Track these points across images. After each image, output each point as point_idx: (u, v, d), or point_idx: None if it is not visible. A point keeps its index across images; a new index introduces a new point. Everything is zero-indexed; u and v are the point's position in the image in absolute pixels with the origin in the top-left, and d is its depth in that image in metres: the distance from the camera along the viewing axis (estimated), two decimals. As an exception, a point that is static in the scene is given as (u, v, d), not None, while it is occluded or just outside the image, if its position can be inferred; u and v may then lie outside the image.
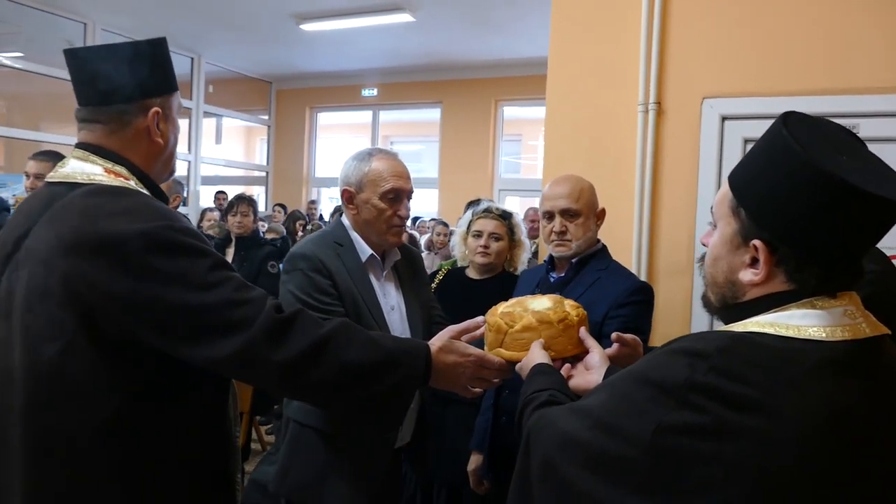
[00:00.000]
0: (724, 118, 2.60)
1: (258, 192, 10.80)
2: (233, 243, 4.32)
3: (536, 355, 1.40)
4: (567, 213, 2.07)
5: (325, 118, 10.94)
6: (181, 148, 9.10)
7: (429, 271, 2.72)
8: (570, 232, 2.07)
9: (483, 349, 1.53)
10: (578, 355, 1.47)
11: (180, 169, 9.00)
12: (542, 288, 2.15)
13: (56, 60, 7.48)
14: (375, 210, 1.89)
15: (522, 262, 2.88)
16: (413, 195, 1.99)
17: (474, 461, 2.31)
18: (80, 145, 1.38)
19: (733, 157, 2.60)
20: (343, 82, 9.91)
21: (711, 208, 1.06)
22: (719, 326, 2.33)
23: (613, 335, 1.57)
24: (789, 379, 0.85)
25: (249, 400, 3.04)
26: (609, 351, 1.49)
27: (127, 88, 1.36)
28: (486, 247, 2.78)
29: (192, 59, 9.06)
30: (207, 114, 9.41)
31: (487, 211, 2.90)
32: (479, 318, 1.53)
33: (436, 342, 1.48)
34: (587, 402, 1.06)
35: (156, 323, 1.23)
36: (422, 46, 7.97)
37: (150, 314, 1.23)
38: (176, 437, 1.31)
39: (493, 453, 2.24)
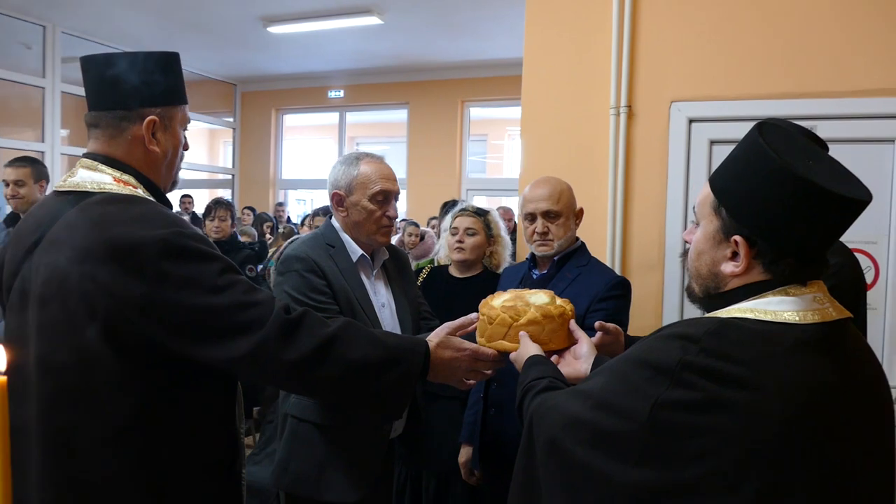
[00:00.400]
0: (691, 121, 2.73)
1: (224, 196, 10.72)
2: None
3: (529, 347, 1.49)
4: (548, 215, 2.17)
5: (291, 120, 10.91)
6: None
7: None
8: (552, 232, 2.17)
9: (475, 342, 1.62)
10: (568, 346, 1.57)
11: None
12: (526, 284, 2.26)
13: (12, 63, 7.36)
14: (365, 212, 1.96)
15: (505, 260, 2.97)
16: (399, 196, 2.07)
17: (465, 453, 2.40)
18: (87, 155, 1.43)
19: (700, 158, 2.74)
20: (309, 84, 9.90)
21: (694, 208, 1.17)
22: (688, 316, 2.47)
23: (597, 324, 1.68)
24: (771, 357, 0.96)
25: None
26: (593, 339, 1.60)
27: (128, 95, 1.41)
28: (461, 241, 2.88)
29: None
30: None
31: (464, 210, 3.00)
32: (473, 315, 1.61)
33: (433, 338, 1.56)
34: (587, 385, 1.16)
35: (170, 326, 1.29)
36: (389, 48, 8.03)
37: (164, 317, 1.28)
38: (187, 435, 1.37)
39: (483, 445, 2.32)
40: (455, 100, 9.24)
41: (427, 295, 2.51)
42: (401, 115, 9.86)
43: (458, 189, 9.27)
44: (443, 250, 3.08)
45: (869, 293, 2.30)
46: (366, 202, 1.96)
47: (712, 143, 2.73)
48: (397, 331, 2.00)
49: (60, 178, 1.44)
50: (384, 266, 2.09)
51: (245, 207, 8.77)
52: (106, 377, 1.28)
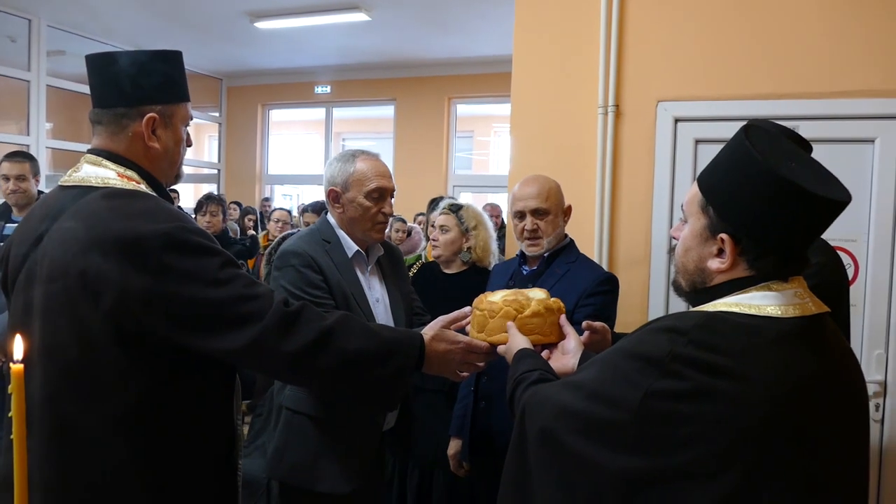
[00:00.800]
0: (677, 120, 2.79)
1: (210, 191, 10.67)
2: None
3: (519, 341, 1.53)
4: (537, 213, 2.22)
5: (277, 115, 10.88)
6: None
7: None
8: (541, 230, 2.22)
9: (467, 335, 1.66)
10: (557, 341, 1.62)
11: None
12: (516, 280, 2.31)
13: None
14: (361, 208, 2.00)
15: (493, 252, 3.01)
16: (395, 193, 2.11)
17: (454, 446, 2.44)
18: (91, 150, 1.45)
19: (686, 157, 2.80)
20: (296, 79, 9.88)
21: (682, 206, 1.22)
22: (674, 311, 2.53)
23: (584, 323, 1.72)
24: (755, 349, 1.02)
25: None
26: (581, 337, 1.64)
27: (127, 93, 1.44)
28: (434, 239, 2.95)
29: (140, 55, 8.87)
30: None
31: (443, 207, 3.06)
32: (466, 309, 1.65)
33: (428, 332, 1.60)
34: (578, 377, 1.21)
35: (172, 318, 1.32)
36: (376, 45, 8.04)
37: (167, 309, 1.31)
38: (187, 426, 1.40)
39: (473, 437, 2.37)
40: (442, 96, 9.27)
41: (417, 291, 2.55)
42: (387, 111, 9.87)
43: (444, 185, 9.31)
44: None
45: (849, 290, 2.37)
46: (361, 199, 1.99)
47: (698, 142, 2.79)
48: (391, 325, 2.04)
49: (66, 173, 1.47)
50: (379, 262, 2.13)
51: (232, 202, 8.74)
52: (108, 366, 1.31)
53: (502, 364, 1.62)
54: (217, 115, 10.58)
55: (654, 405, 1.02)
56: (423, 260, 3.91)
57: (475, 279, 2.92)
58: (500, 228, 5.67)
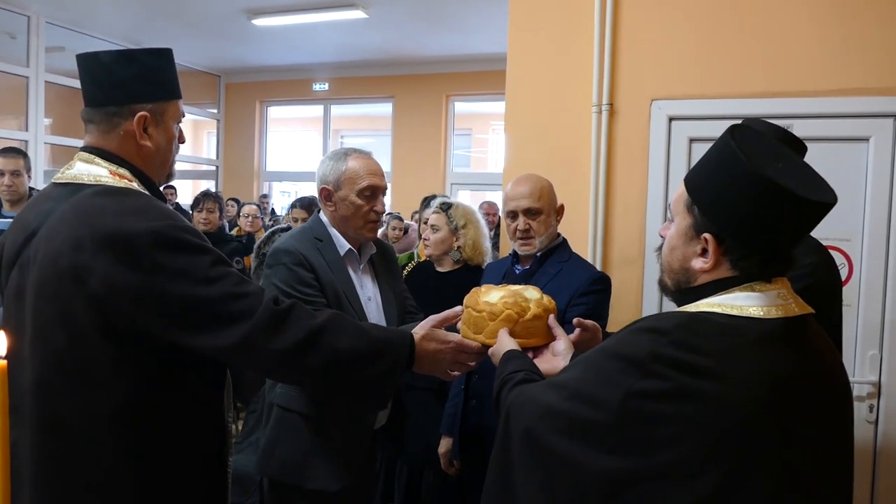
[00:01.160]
0: (671, 119, 2.79)
1: (208, 187, 10.67)
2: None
3: (506, 342, 1.52)
4: (529, 212, 2.22)
5: (275, 112, 10.87)
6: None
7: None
8: (533, 229, 2.22)
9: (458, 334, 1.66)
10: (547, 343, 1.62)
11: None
12: (508, 280, 2.30)
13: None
14: (353, 206, 2.00)
15: (486, 252, 3.01)
16: (387, 191, 2.11)
17: (444, 444, 2.45)
18: (84, 148, 1.46)
19: (680, 155, 2.80)
20: (294, 76, 9.87)
21: (669, 205, 1.22)
22: (667, 309, 2.53)
23: (575, 320, 1.72)
24: (736, 349, 1.02)
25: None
26: (571, 336, 1.64)
27: (118, 92, 1.44)
28: (426, 238, 2.96)
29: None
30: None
31: (435, 206, 3.07)
32: (458, 308, 1.65)
33: (419, 331, 1.60)
34: (562, 377, 1.21)
35: (163, 315, 1.32)
36: (374, 42, 8.03)
37: (157, 307, 1.32)
38: (177, 422, 1.41)
39: (463, 435, 2.37)
40: (440, 94, 9.26)
41: (411, 289, 2.55)
42: (385, 108, 9.86)
43: (442, 183, 9.31)
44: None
45: (843, 290, 2.36)
46: (353, 197, 1.99)
47: (692, 140, 2.79)
48: (383, 324, 2.04)
49: (59, 170, 1.47)
50: (371, 260, 2.13)
51: (230, 199, 8.74)
52: (99, 362, 1.32)
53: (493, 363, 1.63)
54: (215, 111, 10.57)
55: (635, 405, 1.02)
56: (416, 258, 3.91)
57: (468, 277, 2.92)
58: (497, 227, 5.67)
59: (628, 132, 2.85)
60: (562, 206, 2.32)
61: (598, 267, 2.83)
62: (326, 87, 9.90)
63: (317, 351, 1.43)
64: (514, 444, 1.20)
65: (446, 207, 3.01)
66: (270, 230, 4.06)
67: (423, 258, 3.88)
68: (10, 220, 3.31)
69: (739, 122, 1.17)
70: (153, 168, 1.51)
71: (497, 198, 8.05)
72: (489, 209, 6.70)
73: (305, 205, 4.20)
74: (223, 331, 1.35)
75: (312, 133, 11.10)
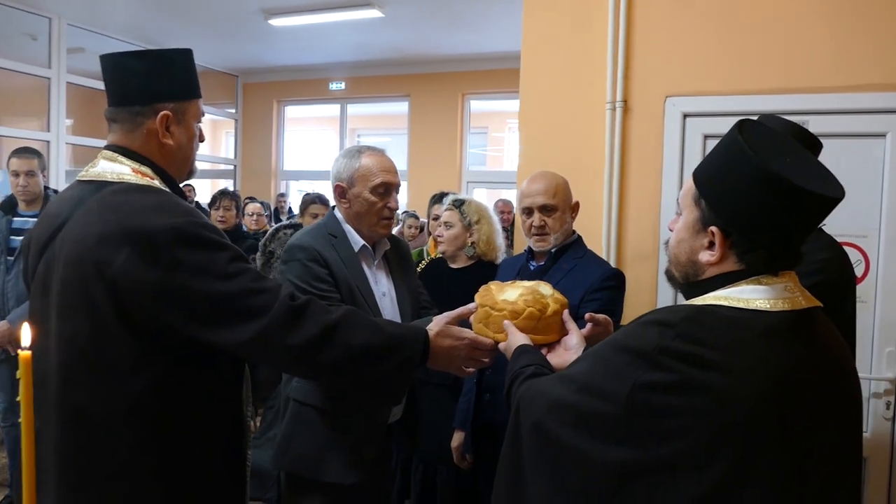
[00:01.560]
0: (685, 115, 2.79)
1: (226, 186, 10.77)
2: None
3: (517, 337, 1.54)
4: (545, 209, 2.24)
5: (292, 111, 10.95)
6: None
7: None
8: (549, 226, 2.23)
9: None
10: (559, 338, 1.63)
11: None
12: (523, 276, 2.32)
13: (18, 54, 7.42)
14: (367, 203, 2.03)
15: (499, 248, 3.03)
16: (400, 188, 2.13)
17: (457, 438, 2.47)
18: (107, 147, 1.50)
19: (694, 152, 2.80)
20: (311, 76, 9.94)
21: (678, 198, 1.23)
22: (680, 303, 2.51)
23: (587, 315, 1.73)
24: (742, 342, 1.03)
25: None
26: (583, 330, 1.66)
27: (141, 91, 1.48)
28: (439, 235, 2.98)
29: (156, 51, 8.98)
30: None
31: (448, 203, 3.09)
32: (472, 305, 1.66)
33: (433, 327, 1.62)
34: (571, 370, 1.22)
35: (183, 310, 1.36)
36: (390, 41, 8.06)
37: (177, 302, 1.35)
38: (197, 415, 1.44)
39: (476, 429, 2.39)
40: (456, 92, 9.28)
41: (425, 286, 2.58)
42: (402, 107, 9.89)
43: (458, 181, 9.32)
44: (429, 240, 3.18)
45: (859, 286, 2.34)
46: (367, 194, 2.02)
47: (706, 137, 2.78)
48: (397, 320, 2.06)
49: (81, 170, 1.51)
50: (385, 256, 2.16)
51: (247, 198, 8.82)
52: (120, 356, 1.35)
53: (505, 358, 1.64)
54: (233, 111, 10.67)
55: (642, 397, 1.04)
56: (426, 255, 3.93)
57: (482, 273, 2.93)
58: (512, 224, 5.66)
59: (642, 129, 2.85)
60: (577, 204, 2.33)
61: (613, 264, 2.83)
62: (343, 86, 9.95)
63: (331, 346, 1.46)
64: (524, 438, 1.22)
65: (459, 204, 3.03)
66: (275, 227, 4.09)
67: (432, 255, 3.91)
68: (27, 218, 3.41)
69: (744, 119, 1.17)
70: (174, 166, 1.55)
71: (513, 196, 8.06)
72: (504, 207, 6.70)
73: (325, 200, 4.22)
74: (241, 326, 1.38)
75: (329, 132, 11.17)
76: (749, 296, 1.08)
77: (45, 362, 1.40)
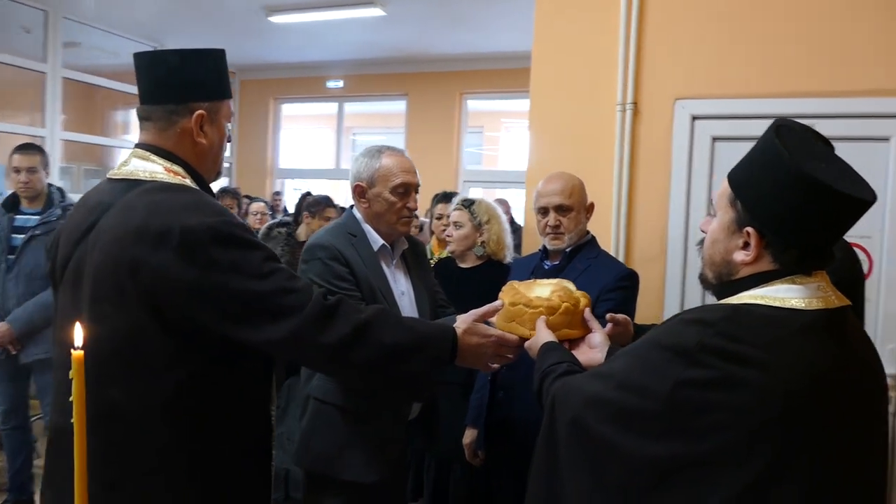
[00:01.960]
0: (694, 118, 2.83)
1: (221, 184, 10.72)
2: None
3: (544, 334, 1.57)
4: (560, 209, 2.27)
5: (289, 109, 10.91)
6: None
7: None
8: (564, 225, 2.27)
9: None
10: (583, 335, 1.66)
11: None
12: (537, 275, 2.35)
13: (12, 48, 7.36)
14: (387, 203, 2.05)
15: (507, 244, 3.05)
16: (419, 188, 2.15)
17: (469, 435, 2.49)
18: (139, 145, 1.51)
19: (702, 154, 2.84)
20: (308, 73, 9.90)
21: (712, 200, 1.26)
22: (689, 306, 2.57)
23: (607, 315, 1.77)
24: (779, 340, 1.06)
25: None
26: (605, 330, 1.68)
27: (178, 90, 1.49)
28: (449, 235, 3.03)
29: (155, 48, 8.96)
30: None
31: (456, 203, 3.12)
32: (497, 303, 1.69)
33: (460, 325, 1.64)
34: (606, 368, 1.25)
35: (218, 308, 1.37)
36: (390, 40, 8.05)
37: (213, 300, 1.36)
38: (229, 415, 1.45)
39: (490, 427, 2.41)
40: (454, 92, 9.28)
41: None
42: (399, 106, 9.89)
43: (455, 180, 9.33)
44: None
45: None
46: (387, 194, 2.04)
47: (714, 139, 2.82)
48: (418, 318, 2.08)
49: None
50: (403, 255, 2.18)
51: (246, 196, 8.80)
52: (154, 355, 1.36)
53: (522, 355, 1.67)
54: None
55: (683, 394, 1.06)
56: (430, 254, 3.96)
57: (491, 273, 2.97)
58: (511, 223, 5.68)
59: (651, 131, 2.88)
60: (592, 205, 2.37)
61: (622, 264, 2.86)
62: (341, 84, 9.93)
63: (364, 345, 1.47)
64: (561, 434, 1.24)
65: (468, 204, 3.06)
66: (267, 226, 4.08)
67: (436, 254, 3.93)
68: (30, 216, 3.36)
69: (779, 121, 1.20)
70: (205, 166, 1.56)
71: (508, 195, 8.07)
72: (503, 207, 6.72)
73: (332, 203, 4.22)
74: (275, 324, 1.39)
75: (325, 130, 11.15)
76: (784, 295, 1.11)
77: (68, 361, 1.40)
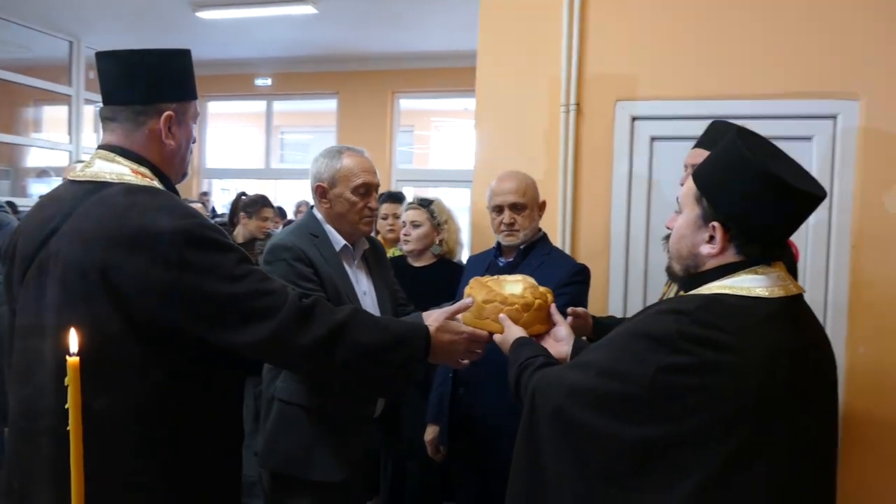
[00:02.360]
0: (633, 118, 2.96)
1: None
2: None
3: (514, 330, 1.62)
4: (515, 207, 2.34)
5: (215, 107, 10.63)
6: (61, 138, 8.60)
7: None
8: (519, 223, 2.34)
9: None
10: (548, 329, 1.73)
11: (60, 160, 8.50)
12: (492, 272, 2.40)
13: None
14: (348, 203, 2.06)
15: (460, 244, 3.11)
16: (379, 188, 2.17)
17: (431, 432, 2.53)
18: (104, 146, 1.46)
19: (642, 153, 2.97)
20: (236, 71, 9.66)
21: (677, 198, 1.35)
22: (632, 298, 2.71)
23: (569, 309, 1.85)
24: (749, 326, 1.15)
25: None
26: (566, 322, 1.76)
27: (145, 91, 1.46)
28: (406, 234, 3.06)
29: (71, 42, 8.53)
30: (89, 101, 8.91)
31: (410, 203, 3.16)
32: (468, 300, 1.73)
33: (433, 323, 1.67)
34: (585, 359, 1.31)
35: (192, 312, 1.35)
36: (321, 38, 7.97)
37: (187, 304, 1.34)
38: (202, 419, 1.44)
39: (452, 423, 2.45)
40: (386, 91, 9.28)
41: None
42: (329, 104, 9.80)
43: (388, 180, 9.32)
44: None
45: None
46: (349, 194, 2.05)
47: (653, 139, 2.97)
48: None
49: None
50: (364, 256, 2.19)
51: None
52: (125, 360, 1.33)
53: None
54: (152, 106, 10.23)
55: (665, 379, 1.14)
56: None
57: (444, 271, 3.02)
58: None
59: (594, 131, 3.00)
60: (544, 202, 2.45)
61: (569, 259, 2.96)
62: (269, 82, 9.75)
63: (341, 345, 1.48)
64: (543, 424, 1.29)
65: (427, 203, 3.10)
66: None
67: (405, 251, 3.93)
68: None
69: (738, 126, 1.30)
70: (172, 167, 1.54)
71: (441, 194, 8.14)
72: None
73: (269, 203, 4.15)
74: (252, 327, 1.39)
75: (253, 129, 10.91)
76: (749, 284, 1.20)
77: (39, 366, 1.36)
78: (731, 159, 1.22)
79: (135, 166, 1.44)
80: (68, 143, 8.60)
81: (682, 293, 1.37)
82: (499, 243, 2.45)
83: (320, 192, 2.08)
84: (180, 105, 1.50)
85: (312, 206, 2.15)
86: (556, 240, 3.00)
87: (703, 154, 2.04)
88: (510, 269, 2.36)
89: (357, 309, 1.59)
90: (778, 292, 1.20)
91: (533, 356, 1.46)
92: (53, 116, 8.90)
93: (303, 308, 1.45)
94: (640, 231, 2.99)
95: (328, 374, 1.61)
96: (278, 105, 10.39)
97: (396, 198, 3.61)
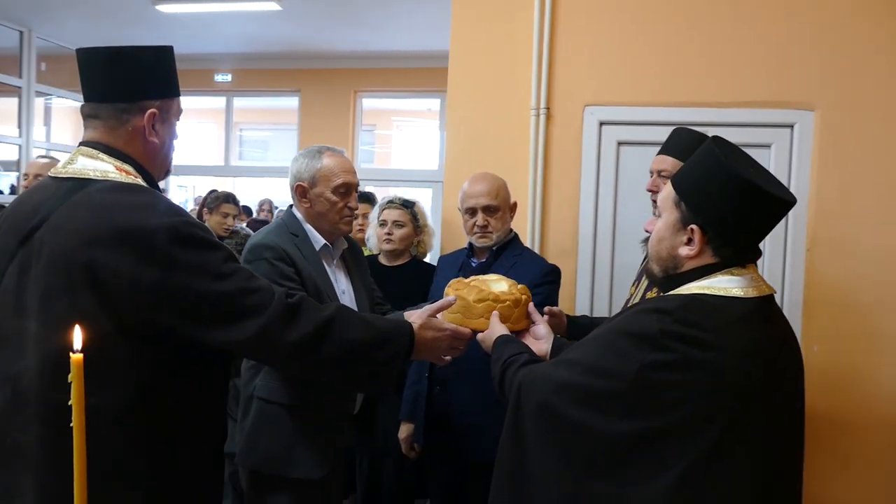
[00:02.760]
0: (601, 123, 3.04)
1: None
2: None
3: (498, 328, 1.68)
4: (488, 210, 2.39)
5: (172, 103, 10.42)
6: (10, 131, 8.31)
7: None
8: (491, 225, 2.39)
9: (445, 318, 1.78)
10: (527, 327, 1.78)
11: (9, 154, 8.23)
12: (465, 272, 2.45)
13: None
14: (328, 203, 2.08)
15: (432, 247, 3.15)
16: (359, 187, 2.20)
17: (405, 430, 2.56)
18: (86, 143, 1.45)
19: (609, 157, 3.06)
20: (195, 66, 9.48)
21: (656, 202, 1.41)
22: (599, 297, 2.79)
23: (545, 308, 1.91)
24: (728, 324, 1.22)
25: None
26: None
27: (129, 89, 1.46)
28: (389, 234, 3.06)
29: (22, 32, 8.26)
30: (40, 93, 8.64)
31: (391, 202, 3.17)
32: (451, 298, 1.77)
33: (416, 320, 1.70)
34: (570, 356, 1.37)
35: (179, 310, 1.35)
36: (283, 34, 7.89)
37: (174, 302, 1.34)
38: (187, 417, 1.44)
39: (428, 421, 2.49)
40: (348, 90, 9.25)
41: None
42: (290, 102, 9.71)
43: (350, 178, 9.29)
44: (372, 240, 3.23)
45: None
46: (329, 194, 2.07)
47: (620, 143, 3.06)
48: None
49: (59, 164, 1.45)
50: (343, 255, 2.21)
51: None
52: (112, 358, 1.32)
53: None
54: (106, 100, 9.96)
55: (649, 375, 1.20)
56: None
57: (415, 271, 3.05)
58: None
59: (563, 135, 3.07)
60: (515, 204, 2.51)
61: (538, 260, 3.03)
62: (229, 78, 9.61)
63: (328, 342, 1.50)
64: (528, 419, 1.33)
65: (410, 205, 3.13)
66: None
67: (379, 251, 3.94)
68: None
69: (714, 135, 1.37)
70: (156, 164, 1.53)
71: (402, 193, 8.16)
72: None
73: (235, 199, 4.11)
74: (239, 325, 1.40)
75: (212, 126, 10.73)
76: (726, 285, 1.28)
77: (20, 366, 1.34)
78: (709, 166, 1.29)
79: (119, 163, 1.43)
80: (17, 137, 8.32)
81: (660, 293, 1.44)
82: (471, 244, 2.49)
83: (300, 191, 2.09)
84: (164, 102, 1.50)
85: (291, 206, 2.16)
86: (526, 240, 3.07)
87: (666, 160, 2.13)
88: (483, 270, 2.41)
89: (342, 306, 1.61)
90: (752, 293, 1.28)
91: (517, 353, 1.51)
92: (2, 109, 8.60)
93: (290, 305, 1.46)
94: (607, 232, 3.07)
95: (314, 370, 1.62)
96: (238, 101, 10.25)
97: (367, 198, 3.63)
